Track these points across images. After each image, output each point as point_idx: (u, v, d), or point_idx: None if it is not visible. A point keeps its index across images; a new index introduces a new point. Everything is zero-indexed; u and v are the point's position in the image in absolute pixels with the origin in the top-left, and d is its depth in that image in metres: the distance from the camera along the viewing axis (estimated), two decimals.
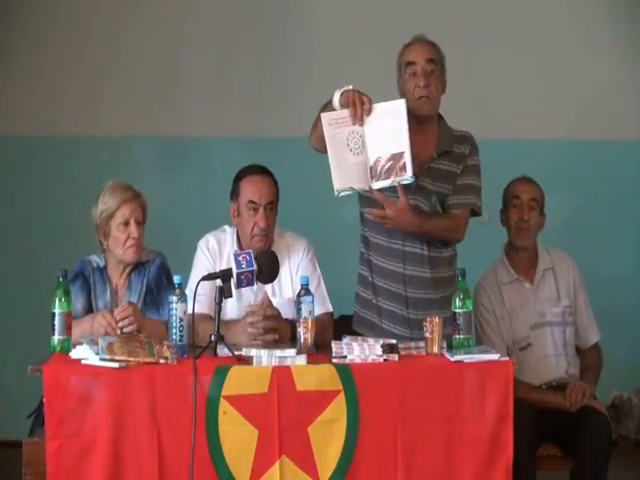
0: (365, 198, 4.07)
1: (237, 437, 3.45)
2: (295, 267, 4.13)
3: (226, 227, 4.21)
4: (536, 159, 6.00)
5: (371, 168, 3.85)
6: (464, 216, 4.13)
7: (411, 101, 4.03)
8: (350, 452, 3.49)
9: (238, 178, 4.15)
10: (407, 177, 3.83)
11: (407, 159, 3.82)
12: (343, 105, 3.84)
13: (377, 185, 3.84)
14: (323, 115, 3.84)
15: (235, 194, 4.13)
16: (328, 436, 3.48)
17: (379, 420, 3.51)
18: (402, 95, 4.07)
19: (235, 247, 4.12)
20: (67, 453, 3.38)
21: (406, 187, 3.93)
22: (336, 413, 3.48)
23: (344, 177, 3.82)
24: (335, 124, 3.83)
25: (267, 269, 3.79)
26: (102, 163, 6.14)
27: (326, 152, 3.89)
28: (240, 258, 3.71)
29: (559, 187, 5.76)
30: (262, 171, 4.14)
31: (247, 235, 4.09)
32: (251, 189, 4.08)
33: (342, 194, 3.83)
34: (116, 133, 6.23)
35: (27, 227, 6.21)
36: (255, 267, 3.71)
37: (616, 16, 6.30)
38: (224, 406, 3.45)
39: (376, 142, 3.84)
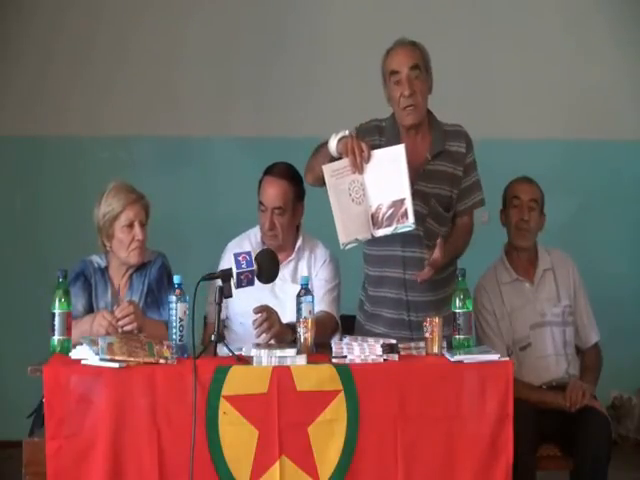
0: None
1: (237, 437, 3.45)
2: (315, 271, 4.19)
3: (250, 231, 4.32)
4: (536, 159, 6.01)
5: (372, 215, 3.83)
6: (472, 219, 4.18)
7: (398, 110, 4.03)
8: (350, 452, 3.49)
9: (263, 173, 4.23)
10: (408, 224, 3.80)
11: (408, 206, 3.78)
12: (341, 153, 3.81)
13: (379, 233, 3.83)
14: (324, 167, 3.80)
15: (258, 190, 4.22)
16: (328, 436, 3.48)
17: (379, 420, 3.51)
18: (389, 101, 4.07)
19: (258, 238, 4.22)
20: (67, 453, 3.38)
21: None
22: (336, 413, 3.48)
23: (349, 229, 3.80)
24: (337, 175, 3.80)
25: (267, 269, 3.79)
26: (103, 163, 6.15)
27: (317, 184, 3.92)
28: (240, 258, 3.72)
29: (559, 187, 5.76)
30: (280, 173, 4.17)
31: (261, 231, 4.21)
32: (263, 190, 4.18)
33: (348, 247, 3.81)
34: (117, 133, 6.24)
35: (28, 227, 6.21)
36: (255, 267, 3.72)
37: (615, 17, 6.30)
38: (224, 406, 3.45)
39: (377, 189, 3.81)
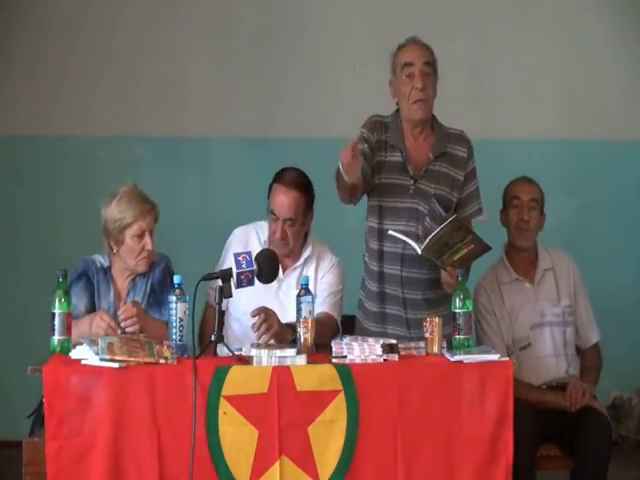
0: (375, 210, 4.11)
1: (237, 437, 3.46)
2: (321, 274, 4.17)
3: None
4: (536, 160, 6.01)
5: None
6: (471, 227, 4.18)
7: (406, 105, 4.04)
8: (350, 452, 3.49)
9: (274, 179, 4.17)
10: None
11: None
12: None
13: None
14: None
15: (269, 192, 4.17)
16: (328, 436, 3.49)
17: (379, 420, 3.51)
18: (395, 97, 4.09)
19: (265, 236, 4.17)
20: (67, 453, 3.39)
21: (405, 191, 4.04)
22: (336, 413, 3.48)
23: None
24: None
25: (267, 269, 3.79)
26: (102, 163, 6.15)
27: (352, 202, 4.03)
28: (240, 258, 3.72)
29: (559, 188, 5.77)
30: (291, 182, 4.10)
31: (269, 236, 4.15)
32: (274, 199, 4.11)
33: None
34: (116, 133, 6.23)
35: (28, 227, 6.20)
36: (255, 267, 3.72)
37: (616, 16, 6.30)
38: (224, 406, 3.45)
39: None
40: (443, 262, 3.87)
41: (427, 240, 3.80)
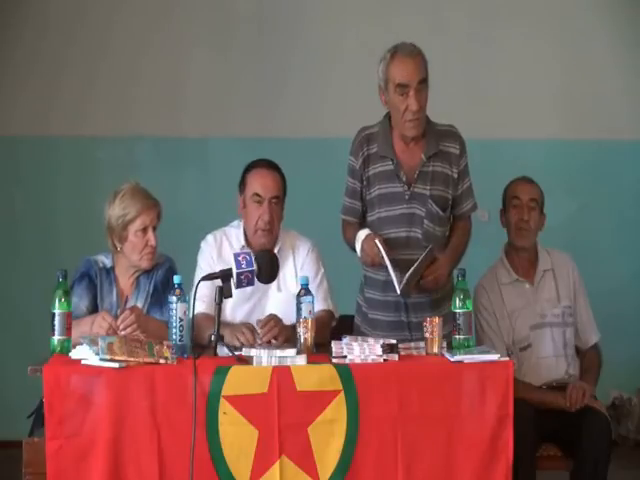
0: (374, 223, 4.11)
1: (237, 437, 3.46)
2: (300, 264, 4.13)
3: (236, 222, 4.21)
4: (535, 159, 6.02)
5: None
6: (470, 222, 4.22)
7: (400, 121, 4.00)
8: (350, 452, 3.49)
9: (246, 170, 4.16)
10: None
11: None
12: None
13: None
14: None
15: (242, 186, 4.14)
16: (328, 436, 3.49)
17: (379, 420, 3.51)
18: (387, 104, 4.04)
19: (242, 241, 4.11)
20: (67, 453, 3.39)
21: (400, 198, 4.03)
22: (336, 413, 3.48)
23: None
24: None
25: (267, 269, 3.80)
26: (101, 163, 6.15)
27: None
28: (240, 258, 3.72)
29: (558, 187, 5.77)
30: (269, 165, 4.14)
31: (251, 228, 4.09)
32: (257, 182, 4.09)
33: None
34: (115, 133, 6.24)
35: (29, 228, 6.21)
36: (255, 267, 3.72)
37: (616, 16, 6.31)
38: (224, 406, 3.45)
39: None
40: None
41: (406, 278, 3.83)
